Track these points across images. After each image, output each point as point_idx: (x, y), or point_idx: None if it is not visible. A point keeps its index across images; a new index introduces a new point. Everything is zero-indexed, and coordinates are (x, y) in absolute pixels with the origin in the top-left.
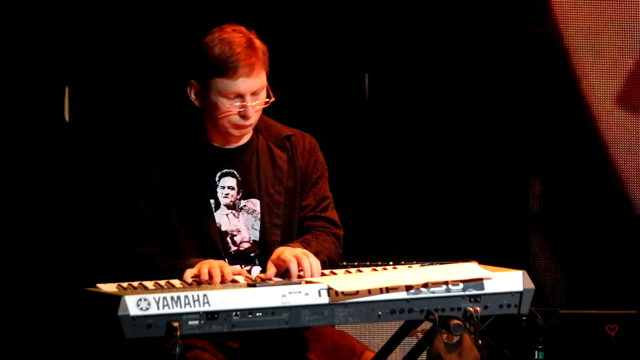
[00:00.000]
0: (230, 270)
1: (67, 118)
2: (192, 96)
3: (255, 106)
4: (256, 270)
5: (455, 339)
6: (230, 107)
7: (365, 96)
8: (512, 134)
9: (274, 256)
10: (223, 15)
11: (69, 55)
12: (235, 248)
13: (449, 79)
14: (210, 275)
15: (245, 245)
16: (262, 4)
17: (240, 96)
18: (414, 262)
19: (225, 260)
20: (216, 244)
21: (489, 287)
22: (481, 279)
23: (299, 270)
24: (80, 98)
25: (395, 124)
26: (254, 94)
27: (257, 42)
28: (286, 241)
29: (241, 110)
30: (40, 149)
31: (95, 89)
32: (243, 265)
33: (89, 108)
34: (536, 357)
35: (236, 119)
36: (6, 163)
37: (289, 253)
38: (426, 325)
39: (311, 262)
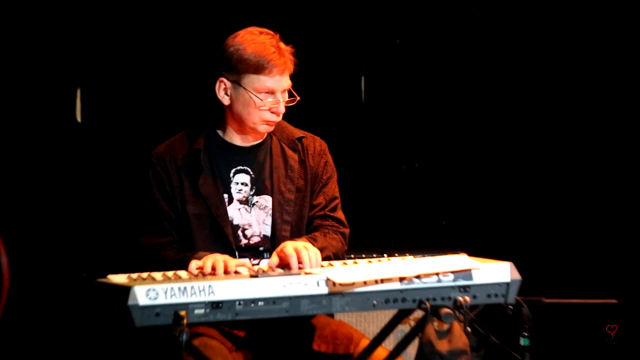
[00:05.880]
0: (234, 263)
1: (79, 118)
2: (221, 93)
3: (286, 103)
4: (264, 263)
5: (446, 326)
6: (263, 103)
7: (361, 98)
8: (499, 133)
9: (278, 249)
10: (228, 18)
11: (80, 59)
12: (246, 241)
13: (440, 81)
14: (214, 268)
15: (256, 239)
16: (264, 9)
17: (272, 93)
18: (407, 255)
19: (235, 253)
20: (227, 237)
21: (478, 278)
22: (470, 270)
23: (299, 263)
24: (91, 99)
25: (390, 125)
26: (283, 92)
27: (283, 45)
28: (295, 237)
29: (273, 106)
30: (54, 148)
31: (106, 90)
32: (252, 259)
33: (100, 108)
34: (522, 344)
35: (268, 115)
36: (22, 161)
37: (291, 246)
38: (418, 314)
39: (310, 254)
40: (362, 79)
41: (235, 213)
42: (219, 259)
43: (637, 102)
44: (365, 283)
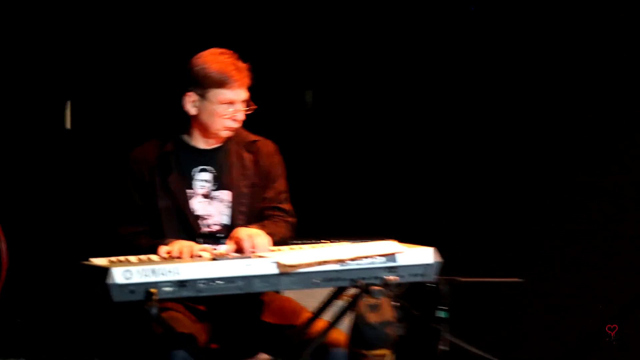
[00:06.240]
0: (198, 248)
1: (68, 126)
2: (188, 105)
3: (245, 112)
4: (223, 248)
5: (376, 301)
6: (225, 112)
7: (307, 107)
8: (425, 137)
9: (233, 234)
10: (191, 42)
11: (69, 76)
12: (207, 229)
13: (372, 91)
14: (181, 252)
15: (216, 228)
16: (217, 31)
17: (233, 104)
18: (345, 241)
19: (198, 239)
20: (191, 226)
21: (405, 261)
22: (397, 254)
23: (252, 247)
24: (78, 109)
25: (332, 130)
26: (242, 102)
27: (241, 63)
28: (249, 226)
29: (235, 115)
30: (47, 150)
31: (90, 102)
32: (212, 244)
33: (86, 117)
34: (440, 316)
35: (229, 122)
36: (19, 162)
37: (244, 233)
38: (353, 291)
39: (262, 240)
40: (307, 91)
41: (199, 206)
42: (184, 245)
43: (541, 100)
44: (308, 265)
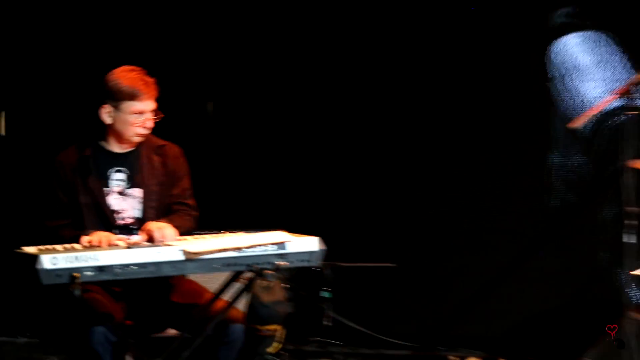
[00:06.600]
0: (114, 238)
1: (2, 133)
2: (104, 115)
3: (154, 120)
4: (135, 238)
5: (269, 283)
6: (136, 121)
7: (209, 116)
8: (298, 138)
9: (144, 227)
10: (109, 56)
11: (5, 89)
12: (122, 222)
13: (266, 105)
14: (100, 242)
15: (129, 221)
16: (129, 50)
17: (143, 113)
18: (241, 231)
19: (116, 231)
20: (108, 219)
21: (294, 248)
22: (287, 242)
23: (161, 238)
24: (12, 118)
25: (230, 136)
26: (151, 111)
27: (149, 78)
28: (158, 219)
29: (145, 123)
30: None
31: (23, 111)
32: (127, 235)
33: (19, 125)
34: (324, 296)
35: (140, 129)
36: None
37: (154, 225)
38: (249, 275)
39: (170, 231)
40: (209, 103)
41: (114, 202)
42: (103, 235)
43: (425, 101)
44: (210, 252)
